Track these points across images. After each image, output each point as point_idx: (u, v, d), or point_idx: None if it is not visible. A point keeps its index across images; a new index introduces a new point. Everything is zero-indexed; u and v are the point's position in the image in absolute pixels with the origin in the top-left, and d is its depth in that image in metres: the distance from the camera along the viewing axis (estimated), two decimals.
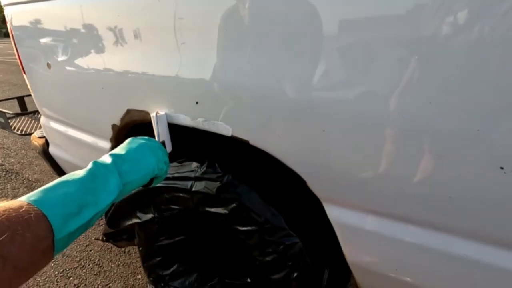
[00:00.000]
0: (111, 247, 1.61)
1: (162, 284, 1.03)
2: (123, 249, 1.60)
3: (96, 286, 1.39)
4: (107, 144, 0.97)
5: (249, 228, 0.74)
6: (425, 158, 0.49)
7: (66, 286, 1.40)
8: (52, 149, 1.30)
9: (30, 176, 2.33)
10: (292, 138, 0.61)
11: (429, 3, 0.42)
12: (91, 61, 0.88)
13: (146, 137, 0.62)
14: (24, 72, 1.18)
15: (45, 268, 1.44)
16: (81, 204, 0.41)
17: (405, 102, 0.47)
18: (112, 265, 1.50)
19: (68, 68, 0.95)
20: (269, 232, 0.72)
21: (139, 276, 1.43)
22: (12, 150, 2.81)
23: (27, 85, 1.22)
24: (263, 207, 0.72)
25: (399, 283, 0.63)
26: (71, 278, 1.44)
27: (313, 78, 0.54)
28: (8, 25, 1.12)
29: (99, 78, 0.88)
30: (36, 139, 1.39)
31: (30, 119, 2.37)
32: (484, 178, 0.45)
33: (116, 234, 1.05)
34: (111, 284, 1.40)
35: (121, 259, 1.54)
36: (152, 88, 0.77)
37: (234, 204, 0.74)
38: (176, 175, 0.80)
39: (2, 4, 1.11)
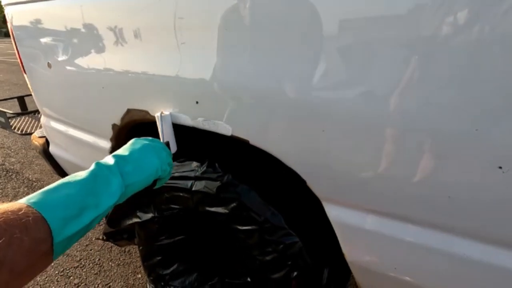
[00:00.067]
0: (111, 247, 1.62)
1: (162, 284, 1.03)
2: (123, 248, 1.60)
3: (96, 285, 1.39)
4: (107, 144, 0.97)
5: (249, 227, 0.74)
6: (424, 158, 0.49)
7: (66, 285, 1.40)
8: (52, 149, 1.30)
9: (30, 176, 2.33)
10: (292, 138, 0.61)
11: (429, 3, 0.42)
12: (91, 61, 0.89)
13: (150, 138, 0.62)
14: (25, 72, 1.18)
15: None
16: (82, 206, 0.40)
17: (405, 102, 0.47)
18: (112, 265, 1.50)
19: (68, 67, 0.95)
20: (269, 232, 0.72)
21: (139, 276, 1.43)
22: (12, 150, 2.82)
23: (27, 85, 1.22)
24: (263, 207, 0.73)
25: (399, 282, 0.63)
26: (71, 278, 1.44)
27: (313, 78, 0.54)
28: (9, 25, 1.13)
29: (99, 78, 0.88)
30: (36, 139, 1.39)
31: (30, 119, 2.38)
32: (483, 178, 0.45)
33: (116, 234, 1.05)
34: (111, 284, 1.40)
35: (121, 259, 1.54)
36: (152, 87, 0.78)
37: (234, 204, 0.74)
38: (176, 174, 0.80)
39: (3, 4, 1.11)
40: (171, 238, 0.97)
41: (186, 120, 0.74)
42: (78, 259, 1.54)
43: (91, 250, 1.60)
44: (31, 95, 1.28)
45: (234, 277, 0.95)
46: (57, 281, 1.42)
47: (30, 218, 0.33)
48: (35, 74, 1.13)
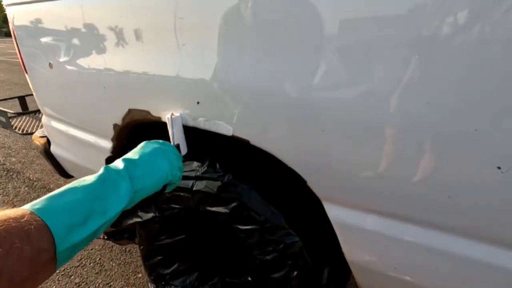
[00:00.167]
0: (112, 246, 1.62)
1: (163, 283, 1.03)
2: (124, 247, 1.61)
3: (97, 284, 1.40)
4: (108, 144, 0.98)
5: (249, 227, 0.74)
6: (424, 158, 0.49)
7: (67, 285, 1.40)
8: (53, 149, 1.30)
9: (31, 176, 2.33)
10: (292, 138, 0.61)
11: (429, 2, 0.42)
12: (92, 61, 0.89)
13: (161, 141, 0.60)
14: (26, 72, 1.18)
15: None
16: (88, 212, 0.39)
17: (404, 103, 0.47)
18: (113, 264, 1.51)
19: (69, 68, 0.96)
20: (269, 231, 0.73)
21: (140, 275, 1.44)
22: (13, 150, 2.82)
23: (28, 85, 1.23)
24: (264, 206, 0.73)
25: (399, 282, 0.63)
26: (72, 277, 1.44)
27: (313, 78, 0.54)
28: (10, 25, 1.13)
29: (100, 78, 0.88)
30: (37, 139, 1.39)
31: (31, 119, 2.38)
32: (483, 178, 0.45)
33: (117, 233, 1.06)
34: (112, 283, 1.40)
35: (122, 258, 1.54)
36: (153, 88, 0.78)
37: (235, 203, 0.74)
38: None
39: (4, 4, 1.12)
40: (172, 237, 0.97)
41: (187, 120, 0.74)
42: (79, 258, 1.54)
43: (92, 249, 1.60)
44: (32, 95, 1.28)
45: (234, 277, 0.95)
46: (58, 281, 1.42)
47: (32, 226, 0.32)
48: (36, 74, 1.14)
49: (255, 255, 0.78)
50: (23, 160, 2.60)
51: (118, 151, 0.97)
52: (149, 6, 0.71)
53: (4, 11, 1.14)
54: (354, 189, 0.59)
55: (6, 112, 2.12)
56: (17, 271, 0.30)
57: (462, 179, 0.47)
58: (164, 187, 0.56)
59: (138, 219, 0.94)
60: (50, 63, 1.01)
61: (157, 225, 0.94)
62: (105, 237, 1.06)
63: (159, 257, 1.01)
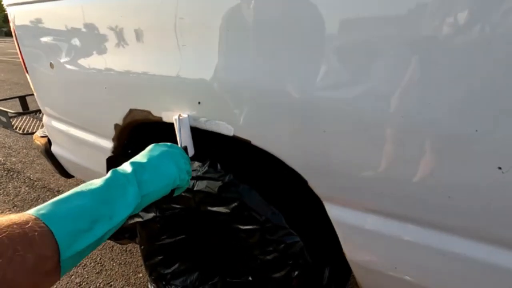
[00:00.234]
0: (113, 246, 1.62)
1: (163, 283, 1.03)
2: (124, 247, 1.61)
3: (98, 284, 1.40)
4: (109, 144, 0.98)
5: (250, 227, 0.75)
6: (424, 159, 0.49)
7: (68, 284, 1.41)
8: (54, 148, 1.31)
9: (31, 175, 2.34)
10: (293, 138, 0.61)
11: (429, 2, 0.42)
12: (93, 61, 0.89)
13: (169, 144, 0.60)
14: (27, 72, 1.18)
15: None
16: (95, 218, 0.38)
17: (405, 103, 0.48)
18: (114, 264, 1.51)
19: (71, 68, 0.96)
20: (270, 231, 0.73)
21: (140, 275, 1.44)
22: (13, 149, 2.82)
23: (28, 84, 1.23)
24: (264, 206, 0.73)
25: (399, 281, 0.63)
26: (73, 277, 1.44)
27: (314, 79, 0.54)
28: (11, 25, 1.13)
29: (101, 78, 0.88)
30: (38, 138, 1.40)
31: (31, 118, 2.38)
32: (483, 178, 0.46)
33: (118, 233, 1.06)
34: (112, 283, 1.40)
35: (122, 258, 1.55)
36: (154, 88, 0.78)
37: (236, 203, 0.74)
38: None
39: (5, 4, 1.12)
40: (172, 237, 0.97)
41: (189, 120, 0.74)
42: None
43: None
44: (32, 94, 1.28)
45: (235, 276, 0.96)
46: (59, 280, 1.42)
47: (36, 233, 0.31)
48: (38, 74, 1.14)
49: (255, 255, 0.78)
50: (23, 160, 2.60)
51: (119, 151, 0.97)
52: (151, 6, 0.71)
53: (5, 11, 1.14)
54: (355, 189, 0.59)
55: (6, 112, 2.12)
56: (17, 281, 0.29)
57: (463, 180, 0.47)
58: (172, 191, 0.56)
59: (139, 219, 0.94)
60: (51, 63, 1.01)
61: (158, 225, 0.94)
62: None
63: (160, 257, 1.01)
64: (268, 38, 0.58)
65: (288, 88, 0.58)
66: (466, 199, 0.48)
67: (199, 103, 0.71)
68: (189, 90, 0.72)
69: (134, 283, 1.40)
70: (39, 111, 2.36)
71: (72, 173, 1.35)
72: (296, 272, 0.74)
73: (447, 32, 0.42)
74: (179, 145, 0.71)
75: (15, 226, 0.30)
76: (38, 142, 1.39)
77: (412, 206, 0.55)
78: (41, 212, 0.34)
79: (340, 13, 0.49)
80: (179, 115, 0.72)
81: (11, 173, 2.38)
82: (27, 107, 2.50)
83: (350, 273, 0.79)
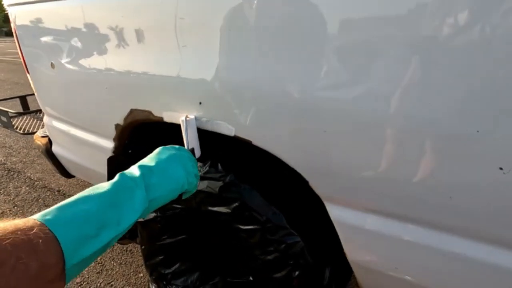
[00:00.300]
0: (113, 246, 1.62)
1: (164, 283, 1.03)
2: (125, 247, 1.61)
3: (98, 284, 1.40)
4: (110, 144, 0.98)
5: (251, 227, 0.75)
6: (425, 159, 0.49)
7: (68, 284, 1.41)
8: (55, 148, 1.31)
9: (32, 175, 2.34)
10: (294, 139, 0.61)
11: (429, 2, 0.42)
12: (94, 61, 0.89)
13: (177, 146, 0.59)
14: (28, 72, 1.18)
15: None
16: (101, 224, 0.37)
17: (406, 103, 0.48)
18: (114, 264, 1.51)
19: (71, 68, 0.96)
20: (271, 231, 0.73)
21: (141, 275, 1.44)
22: (14, 149, 2.82)
23: (28, 84, 1.23)
24: (265, 207, 0.73)
25: (399, 282, 0.63)
26: None
27: (315, 79, 0.54)
28: (12, 25, 1.13)
29: (102, 78, 0.89)
30: (39, 138, 1.40)
31: (32, 118, 2.38)
32: (484, 179, 0.46)
33: None
34: (113, 283, 1.41)
35: (123, 258, 1.55)
36: (155, 88, 0.78)
37: (237, 203, 0.74)
38: None
39: (6, 4, 1.12)
40: (173, 237, 0.97)
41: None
42: None
43: None
44: (33, 94, 1.28)
45: (236, 276, 0.96)
46: None
47: (41, 240, 0.30)
48: (38, 74, 1.14)
49: (256, 255, 0.78)
50: (24, 160, 2.60)
51: (119, 151, 0.98)
52: (152, 7, 0.71)
53: (5, 10, 1.14)
54: (356, 190, 0.59)
55: (7, 111, 2.12)
56: None
57: (464, 180, 0.47)
58: (180, 195, 0.55)
59: (140, 219, 0.94)
60: (52, 63, 1.02)
61: (158, 225, 0.94)
62: None
63: (161, 257, 1.01)
64: (269, 38, 0.58)
65: (289, 88, 0.58)
66: (467, 199, 0.49)
67: (200, 103, 0.71)
68: (190, 90, 0.72)
69: (135, 283, 1.40)
70: (40, 111, 2.36)
71: (72, 173, 1.35)
72: (297, 272, 0.74)
73: (447, 32, 0.42)
74: (185, 147, 0.70)
75: (19, 232, 0.30)
76: (38, 142, 1.39)
77: (412, 206, 0.55)
78: (47, 217, 0.33)
79: (341, 13, 0.49)
80: (186, 116, 0.71)
81: (12, 173, 2.38)
82: (27, 107, 2.51)
83: (351, 273, 0.79)
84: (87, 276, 1.44)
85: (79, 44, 0.91)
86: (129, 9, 0.76)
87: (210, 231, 0.96)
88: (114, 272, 1.46)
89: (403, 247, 0.60)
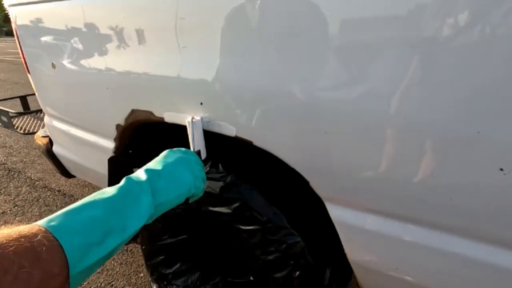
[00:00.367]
0: None
1: (165, 283, 1.04)
2: (125, 247, 1.61)
3: (99, 284, 1.40)
4: (111, 144, 0.98)
5: (251, 227, 0.75)
6: (426, 160, 0.49)
7: None
8: (55, 148, 1.31)
9: (32, 175, 2.34)
10: (295, 139, 0.61)
11: (430, 3, 0.42)
12: (95, 62, 0.89)
13: (183, 149, 0.58)
14: (28, 72, 1.19)
15: None
16: (107, 230, 0.37)
17: (407, 104, 0.48)
18: (115, 264, 1.51)
19: (72, 68, 0.96)
20: (271, 231, 0.73)
21: (142, 275, 1.44)
22: (14, 149, 2.82)
23: (29, 84, 1.23)
24: (266, 207, 0.73)
25: (400, 282, 0.63)
26: None
27: (316, 80, 0.55)
28: (13, 25, 1.13)
29: (103, 78, 0.89)
30: (40, 138, 1.40)
31: (32, 118, 2.39)
32: (485, 179, 0.46)
33: None
34: (113, 282, 1.41)
35: (123, 258, 1.55)
36: (156, 88, 0.78)
37: (237, 204, 0.74)
38: None
39: (7, 4, 1.12)
40: (174, 237, 0.97)
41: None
42: None
43: None
44: (33, 94, 1.29)
45: (236, 276, 0.96)
46: None
47: (45, 248, 0.30)
48: (39, 74, 1.14)
49: (257, 255, 0.78)
50: (24, 160, 2.61)
51: (120, 151, 0.98)
52: (154, 7, 0.72)
53: (5, 10, 1.14)
54: (356, 190, 0.60)
55: (7, 111, 2.12)
56: None
57: (464, 181, 0.48)
58: (187, 199, 0.54)
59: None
60: (52, 63, 1.02)
61: (159, 225, 0.95)
62: None
63: (161, 257, 1.01)
64: (270, 39, 0.58)
65: (289, 89, 0.58)
66: (467, 200, 0.49)
67: (201, 103, 0.71)
68: (191, 91, 0.72)
69: (135, 283, 1.40)
70: (40, 111, 2.36)
71: (73, 173, 1.35)
72: (298, 272, 0.74)
73: (448, 32, 0.42)
74: (191, 148, 0.70)
75: (23, 239, 0.29)
76: (39, 142, 1.39)
77: (412, 206, 0.55)
78: (52, 224, 0.33)
79: (341, 14, 0.49)
80: (192, 118, 0.70)
81: (12, 173, 2.39)
82: (28, 107, 2.51)
83: (351, 273, 0.79)
84: None
85: (79, 45, 0.91)
86: (130, 10, 0.77)
87: (210, 231, 0.96)
88: (115, 272, 1.46)
89: (403, 247, 0.60)
